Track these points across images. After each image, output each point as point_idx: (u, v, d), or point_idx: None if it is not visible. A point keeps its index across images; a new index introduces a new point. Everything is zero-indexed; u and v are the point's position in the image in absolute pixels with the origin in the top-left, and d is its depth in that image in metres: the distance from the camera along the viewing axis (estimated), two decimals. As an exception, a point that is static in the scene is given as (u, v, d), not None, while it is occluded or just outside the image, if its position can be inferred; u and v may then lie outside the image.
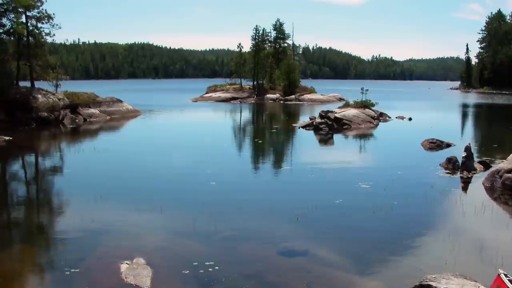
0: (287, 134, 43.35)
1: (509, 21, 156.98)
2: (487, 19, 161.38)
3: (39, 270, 12.50)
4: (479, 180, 22.40)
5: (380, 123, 48.28)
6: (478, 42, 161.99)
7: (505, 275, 9.79)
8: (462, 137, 39.30)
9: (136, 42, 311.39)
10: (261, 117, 65.88)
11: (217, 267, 11.99)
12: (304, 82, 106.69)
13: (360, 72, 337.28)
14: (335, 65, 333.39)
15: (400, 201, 18.42)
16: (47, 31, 50.05)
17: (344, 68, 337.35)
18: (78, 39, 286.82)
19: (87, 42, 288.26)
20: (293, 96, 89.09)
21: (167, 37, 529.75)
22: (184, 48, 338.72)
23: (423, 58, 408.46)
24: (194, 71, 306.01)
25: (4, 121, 40.39)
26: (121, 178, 23.39)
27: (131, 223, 15.86)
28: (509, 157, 21.95)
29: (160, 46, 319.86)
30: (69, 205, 18.64)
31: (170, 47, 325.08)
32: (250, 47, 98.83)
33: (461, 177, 23.36)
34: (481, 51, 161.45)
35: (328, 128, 41.41)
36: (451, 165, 24.76)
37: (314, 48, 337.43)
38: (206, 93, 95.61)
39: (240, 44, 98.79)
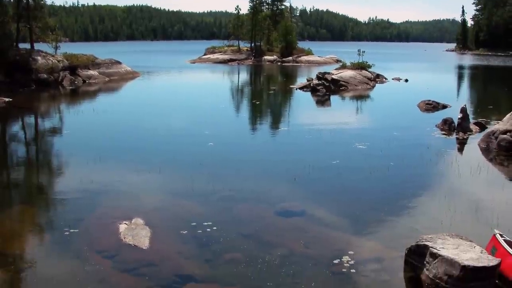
0: (284, 96, 43.28)
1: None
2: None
3: (38, 230, 12.60)
4: (474, 141, 22.50)
5: (376, 85, 48.12)
6: (474, 5, 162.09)
7: (501, 235, 9.92)
8: (458, 99, 39.32)
9: (135, 4, 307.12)
10: (259, 78, 65.57)
11: (215, 227, 12.09)
12: (302, 44, 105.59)
13: (357, 34, 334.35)
14: (332, 27, 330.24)
15: (396, 162, 18.55)
16: (46, -7, 49.47)
17: (341, 30, 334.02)
18: (77, 1, 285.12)
19: (86, 4, 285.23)
20: (290, 58, 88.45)
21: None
22: (183, 10, 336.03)
23: (420, 20, 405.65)
24: (193, 33, 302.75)
25: (3, 83, 40.15)
26: (120, 139, 23.44)
27: (129, 184, 15.94)
28: (504, 118, 21.97)
29: (159, 8, 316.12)
30: (68, 166, 18.68)
31: (168, 9, 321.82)
32: (248, 9, 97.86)
33: (457, 138, 23.46)
34: (476, 13, 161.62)
35: (325, 89, 41.30)
36: (447, 126, 24.82)
37: (311, 10, 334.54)
38: (204, 54, 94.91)
39: (238, 6, 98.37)
